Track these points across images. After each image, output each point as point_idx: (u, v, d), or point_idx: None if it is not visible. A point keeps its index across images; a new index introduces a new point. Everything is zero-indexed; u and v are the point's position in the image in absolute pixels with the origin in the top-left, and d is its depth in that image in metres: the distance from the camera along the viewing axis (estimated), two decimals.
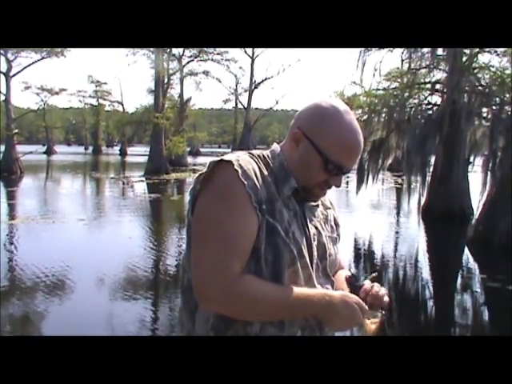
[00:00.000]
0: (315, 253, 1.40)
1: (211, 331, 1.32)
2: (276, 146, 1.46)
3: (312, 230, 1.42)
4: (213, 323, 1.32)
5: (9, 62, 30.36)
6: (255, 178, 1.30)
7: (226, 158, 1.31)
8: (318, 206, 1.50)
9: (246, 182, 1.28)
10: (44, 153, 53.92)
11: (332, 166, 1.36)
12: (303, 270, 1.35)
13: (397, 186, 22.53)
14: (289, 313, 1.32)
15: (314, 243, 1.41)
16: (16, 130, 30.07)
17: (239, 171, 1.29)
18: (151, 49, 33.35)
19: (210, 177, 1.30)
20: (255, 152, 1.42)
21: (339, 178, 1.40)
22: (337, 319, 1.33)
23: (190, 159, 38.86)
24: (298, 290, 1.30)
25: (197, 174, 1.35)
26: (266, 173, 1.35)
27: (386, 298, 1.39)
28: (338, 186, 1.41)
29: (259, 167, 1.35)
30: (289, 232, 1.33)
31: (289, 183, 1.37)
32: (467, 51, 14.13)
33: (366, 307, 1.35)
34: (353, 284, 1.42)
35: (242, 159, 1.33)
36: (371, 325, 1.37)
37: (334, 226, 1.55)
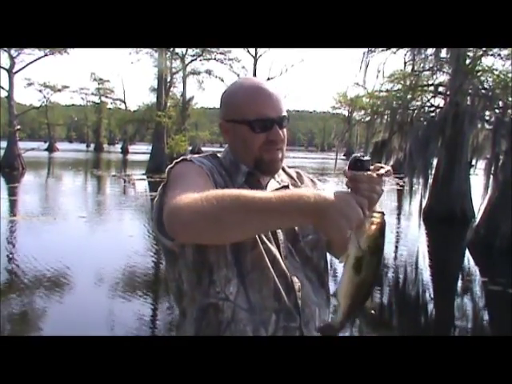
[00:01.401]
0: (282, 237, 1.40)
1: (194, 323, 1.35)
2: (226, 146, 1.52)
3: None
4: (196, 315, 1.35)
5: (12, 58, 30.43)
6: (209, 167, 1.38)
7: (178, 159, 1.41)
8: (287, 188, 1.47)
9: (202, 166, 1.36)
10: (46, 150, 53.98)
11: (258, 124, 1.38)
12: (267, 253, 1.35)
13: (398, 187, 22.50)
14: (269, 206, 1.13)
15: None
16: (18, 127, 30.15)
17: (194, 160, 1.38)
18: (154, 48, 33.39)
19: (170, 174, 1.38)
20: (209, 153, 1.50)
21: (274, 130, 1.39)
22: (333, 212, 1.11)
23: None
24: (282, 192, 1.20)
25: (161, 185, 1.38)
26: (219, 169, 1.41)
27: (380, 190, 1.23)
28: (279, 138, 1.40)
29: (212, 163, 1.41)
30: None
31: (240, 171, 1.42)
32: (470, 54, 14.11)
33: (363, 198, 1.16)
34: (354, 169, 1.20)
35: (194, 156, 1.43)
36: (371, 225, 1.16)
37: None
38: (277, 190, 1.43)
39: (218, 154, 1.49)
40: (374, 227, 1.16)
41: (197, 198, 1.16)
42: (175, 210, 1.18)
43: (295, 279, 1.38)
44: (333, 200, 1.13)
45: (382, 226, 1.17)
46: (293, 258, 1.41)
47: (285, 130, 1.43)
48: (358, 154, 1.23)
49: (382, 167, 1.24)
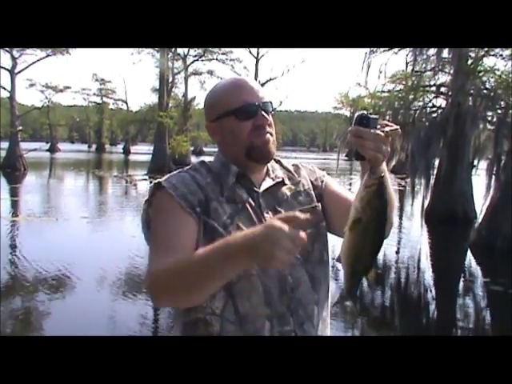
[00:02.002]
0: None
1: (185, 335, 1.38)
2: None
3: (269, 215, 1.38)
4: (185, 329, 1.38)
5: (14, 59, 30.47)
6: (184, 187, 1.36)
7: (159, 179, 1.41)
8: (282, 184, 1.47)
9: (174, 193, 1.35)
10: (47, 150, 53.96)
11: (242, 111, 1.39)
12: None
13: (400, 188, 22.48)
14: (212, 266, 1.14)
15: None
16: (20, 128, 30.17)
17: (166, 186, 1.36)
18: (156, 48, 33.44)
19: (151, 202, 1.40)
20: (197, 163, 1.50)
21: (259, 115, 1.39)
22: (265, 246, 1.06)
23: (193, 159, 38.80)
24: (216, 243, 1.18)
25: (144, 200, 1.43)
26: (201, 178, 1.40)
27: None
28: (266, 121, 1.40)
29: (193, 176, 1.40)
30: (228, 226, 1.33)
31: (230, 171, 1.42)
32: (472, 54, 14.10)
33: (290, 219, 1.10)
34: (360, 126, 1.17)
35: (171, 175, 1.42)
36: (366, 189, 1.15)
37: (312, 193, 1.49)
38: (271, 187, 1.44)
39: (206, 160, 1.49)
40: (368, 190, 1.14)
41: (159, 276, 1.23)
42: (148, 286, 1.26)
43: (289, 279, 1.36)
44: (259, 234, 1.07)
45: (377, 189, 1.14)
46: None
47: (270, 115, 1.42)
48: (365, 112, 1.18)
49: (388, 125, 1.19)
